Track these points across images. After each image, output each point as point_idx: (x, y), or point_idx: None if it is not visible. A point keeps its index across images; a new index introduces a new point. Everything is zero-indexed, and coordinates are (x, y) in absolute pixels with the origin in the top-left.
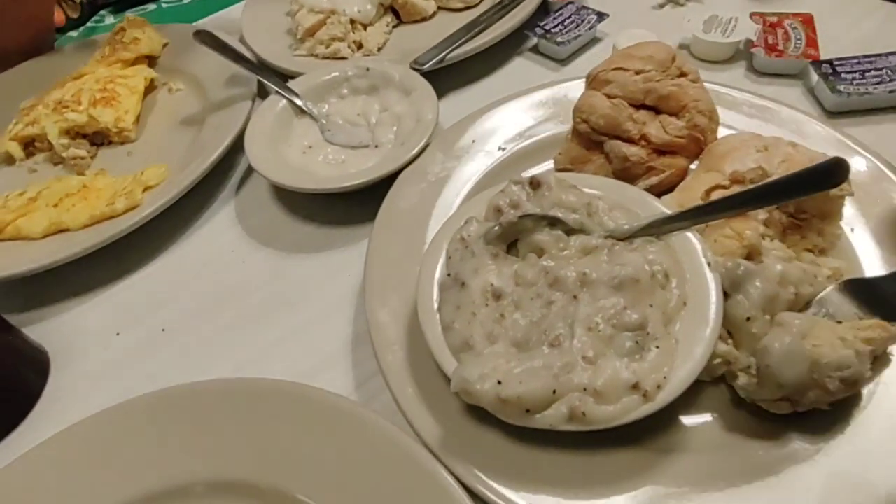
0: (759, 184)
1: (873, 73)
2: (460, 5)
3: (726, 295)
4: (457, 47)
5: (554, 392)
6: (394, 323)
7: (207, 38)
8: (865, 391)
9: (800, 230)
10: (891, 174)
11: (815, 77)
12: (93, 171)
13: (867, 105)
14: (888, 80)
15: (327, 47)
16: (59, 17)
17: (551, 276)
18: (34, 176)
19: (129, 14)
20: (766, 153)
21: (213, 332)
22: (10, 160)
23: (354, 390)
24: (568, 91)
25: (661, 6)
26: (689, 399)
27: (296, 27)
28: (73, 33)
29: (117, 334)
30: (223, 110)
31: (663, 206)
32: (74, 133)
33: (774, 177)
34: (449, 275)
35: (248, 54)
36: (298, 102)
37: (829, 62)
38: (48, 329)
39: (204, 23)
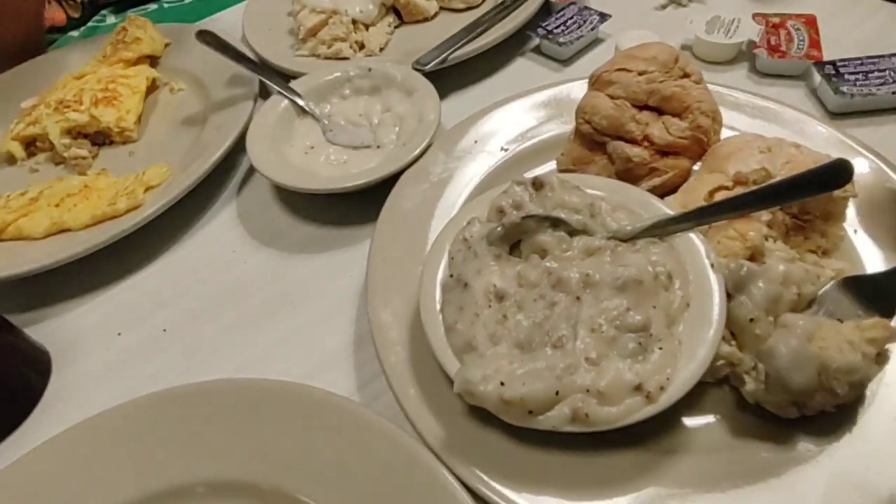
0: (763, 185)
1: (876, 74)
2: (462, 6)
3: (729, 296)
4: (459, 48)
5: (557, 393)
6: (396, 324)
7: (209, 38)
8: (868, 392)
9: (803, 231)
10: (894, 175)
11: (817, 78)
12: (94, 171)
13: (870, 106)
14: (891, 81)
15: (329, 47)
16: (59, 16)
17: (554, 277)
18: (35, 176)
19: (131, 14)
20: (769, 154)
21: (214, 333)
22: (11, 160)
23: (356, 391)
24: (570, 92)
25: (664, 7)
26: (691, 400)
27: (297, 27)
28: (75, 33)
29: (119, 334)
30: (225, 110)
31: (666, 208)
32: (76, 133)
33: (778, 178)
34: (451, 276)
35: (249, 54)
36: (300, 103)
37: (832, 63)
38: (50, 329)
39: (205, 23)
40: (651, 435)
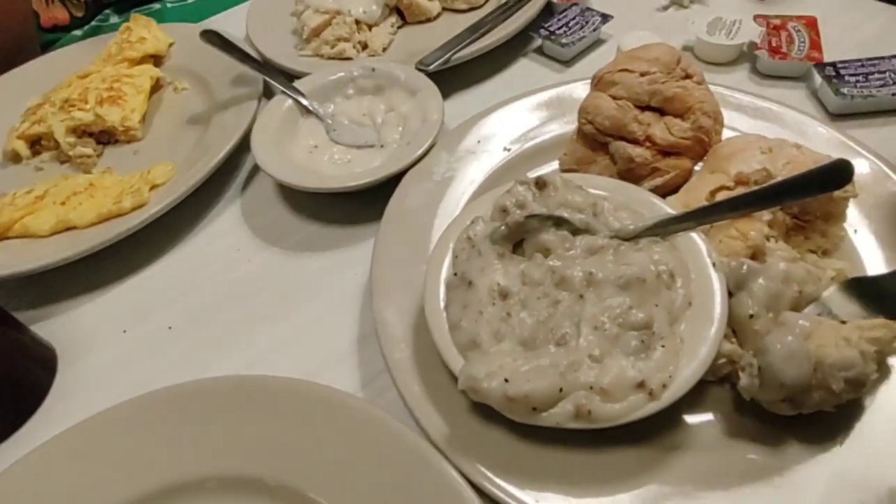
0: (764, 185)
1: (876, 75)
2: (465, 6)
3: (731, 294)
4: (462, 48)
5: (560, 390)
6: (400, 321)
7: (214, 38)
8: (868, 392)
9: (804, 231)
10: (894, 176)
11: (818, 79)
12: (99, 169)
13: (870, 107)
14: (891, 82)
15: (333, 47)
16: (63, 15)
17: (557, 276)
18: (41, 174)
19: (134, 13)
20: (770, 155)
21: (219, 330)
22: (16, 158)
23: (361, 388)
24: (572, 92)
25: (665, 8)
26: (693, 398)
27: (301, 27)
28: (78, 32)
29: (125, 332)
30: (229, 110)
31: (668, 207)
32: (81, 132)
33: (779, 178)
34: (455, 274)
35: (253, 54)
36: (304, 102)
37: (833, 65)
38: (56, 326)
39: (209, 22)
40: (653, 432)
